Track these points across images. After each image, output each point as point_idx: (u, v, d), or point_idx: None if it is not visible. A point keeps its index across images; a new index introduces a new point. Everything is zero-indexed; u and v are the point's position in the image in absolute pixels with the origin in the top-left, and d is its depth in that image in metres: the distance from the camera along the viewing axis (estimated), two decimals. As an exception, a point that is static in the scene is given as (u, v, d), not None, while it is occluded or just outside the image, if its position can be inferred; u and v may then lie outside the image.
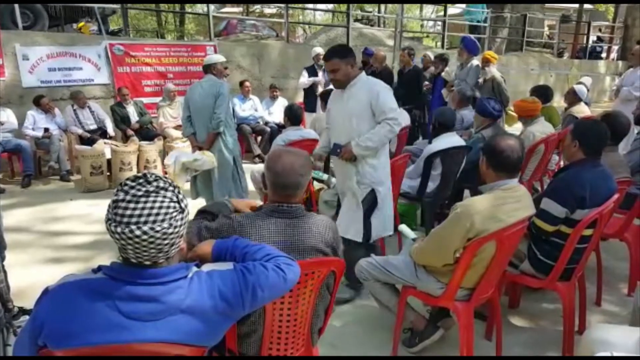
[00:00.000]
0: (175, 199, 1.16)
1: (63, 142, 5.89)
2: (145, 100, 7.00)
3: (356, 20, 14.67)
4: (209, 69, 4.12)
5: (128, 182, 1.15)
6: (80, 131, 6.06)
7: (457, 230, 2.02)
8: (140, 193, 1.12)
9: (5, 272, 2.64)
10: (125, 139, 6.16)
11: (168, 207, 1.13)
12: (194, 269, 1.26)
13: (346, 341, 2.57)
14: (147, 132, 6.28)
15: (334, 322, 2.66)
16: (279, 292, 1.36)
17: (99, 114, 6.29)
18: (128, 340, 1.13)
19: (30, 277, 3.21)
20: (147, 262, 1.16)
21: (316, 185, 4.39)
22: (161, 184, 1.16)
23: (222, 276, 1.26)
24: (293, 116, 4.28)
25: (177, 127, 6.49)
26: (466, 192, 4.16)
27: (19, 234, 4.09)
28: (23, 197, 5.24)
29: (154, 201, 1.12)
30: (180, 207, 1.17)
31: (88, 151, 5.49)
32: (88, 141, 5.90)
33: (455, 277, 2.09)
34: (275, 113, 7.26)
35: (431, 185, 3.81)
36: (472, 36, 6.69)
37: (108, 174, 5.61)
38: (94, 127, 6.19)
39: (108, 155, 5.61)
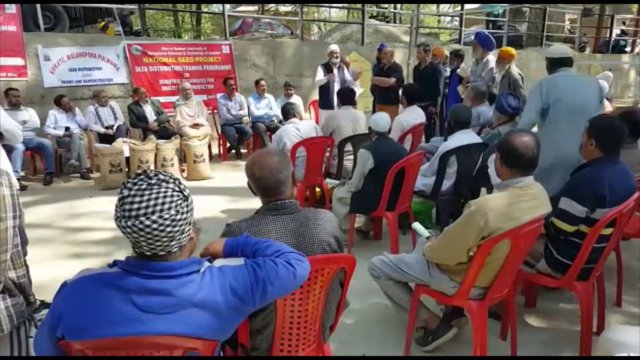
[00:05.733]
0: (177, 188, 1.20)
1: (83, 141, 6.02)
2: (163, 99, 7.11)
3: (372, 17, 14.60)
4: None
5: (130, 179, 1.19)
6: (102, 130, 6.20)
7: (471, 229, 1.99)
8: (143, 186, 1.16)
9: (27, 266, 2.72)
10: (143, 137, 6.26)
11: (172, 196, 1.17)
12: (206, 264, 1.29)
13: (358, 339, 2.57)
14: (164, 131, 6.37)
15: (346, 320, 2.67)
16: (289, 287, 1.37)
17: (117, 113, 6.42)
18: (142, 333, 1.16)
19: (51, 272, 3.28)
20: (162, 253, 1.19)
21: (329, 183, 4.41)
22: (161, 177, 1.20)
23: (234, 271, 1.28)
24: (283, 114, 4.81)
25: (194, 126, 6.56)
26: (483, 190, 4.11)
27: (40, 230, 4.20)
28: (45, 194, 5.38)
29: (158, 192, 1.16)
30: (184, 195, 1.21)
31: (107, 149, 5.60)
32: (107, 139, 6.01)
33: (468, 276, 2.07)
34: (290, 111, 7.29)
35: (446, 184, 3.78)
36: (487, 31, 6.58)
37: (127, 171, 5.71)
38: (113, 123, 6.34)
39: (126, 154, 5.71)
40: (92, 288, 1.19)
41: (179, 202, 1.18)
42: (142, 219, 1.12)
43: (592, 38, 15.63)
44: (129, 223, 1.13)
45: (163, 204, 1.15)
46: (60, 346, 1.20)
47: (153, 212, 1.13)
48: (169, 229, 1.15)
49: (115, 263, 1.24)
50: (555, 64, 3.33)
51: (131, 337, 1.16)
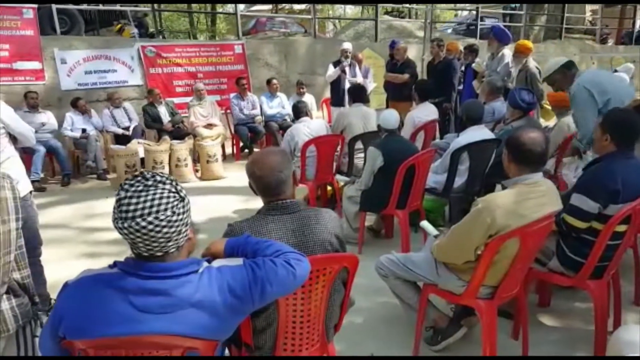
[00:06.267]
0: (173, 189, 1.20)
1: (99, 142, 6.12)
2: (177, 100, 7.17)
3: (386, 12, 14.47)
4: None
5: (127, 181, 1.20)
6: (120, 131, 6.30)
7: (478, 227, 1.96)
8: (140, 188, 1.17)
9: (41, 266, 2.77)
10: (158, 138, 6.33)
11: (168, 197, 1.18)
12: (205, 264, 1.29)
13: (366, 338, 2.55)
14: (178, 131, 6.44)
15: (354, 319, 2.65)
16: (288, 287, 1.37)
17: (131, 115, 6.52)
18: (140, 332, 1.17)
19: (67, 271, 3.27)
20: (159, 254, 1.19)
21: (340, 180, 4.39)
22: (158, 178, 1.20)
23: (232, 272, 1.28)
24: (294, 112, 4.80)
25: (207, 126, 6.61)
26: (498, 187, 4.04)
27: (57, 230, 4.29)
28: (62, 195, 5.49)
29: (154, 193, 1.16)
30: (180, 196, 1.21)
31: (122, 150, 5.69)
32: (123, 141, 6.10)
33: (476, 274, 2.03)
34: (302, 110, 7.27)
35: (458, 181, 3.72)
36: (502, 24, 6.46)
37: (142, 170, 5.78)
38: (128, 124, 6.45)
39: (141, 154, 5.79)
40: (92, 288, 1.20)
41: (175, 203, 1.18)
42: (138, 220, 1.13)
43: (614, 29, 15.19)
44: (125, 224, 1.14)
45: (159, 205, 1.15)
46: (63, 345, 1.22)
47: (149, 214, 1.14)
48: (165, 229, 1.16)
49: (115, 264, 1.25)
50: (569, 67, 3.32)
51: (130, 336, 1.17)
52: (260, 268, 1.29)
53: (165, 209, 1.16)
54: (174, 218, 1.17)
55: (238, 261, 1.34)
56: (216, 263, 1.33)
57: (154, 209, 1.15)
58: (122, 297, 1.17)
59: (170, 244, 1.19)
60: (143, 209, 1.14)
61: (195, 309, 1.20)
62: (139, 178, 1.19)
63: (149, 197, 1.15)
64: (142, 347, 1.20)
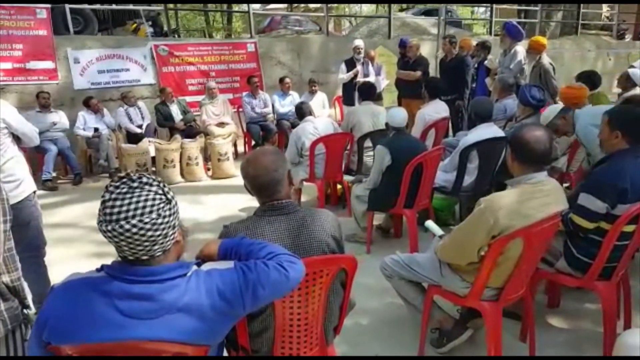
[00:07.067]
0: (160, 191, 1.17)
1: (111, 141, 6.17)
2: (189, 98, 7.19)
3: (401, 10, 14.36)
4: None
5: (113, 183, 1.17)
6: (137, 129, 6.33)
7: (481, 227, 1.92)
8: (124, 190, 1.14)
9: (45, 266, 2.77)
10: (170, 136, 6.37)
11: (154, 199, 1.15)
12: (194, 267, 1.26)
13: (370, 339, 2.52)
14: (189, 130, 6.47)
15: (359, 320, 2.63)
16: (282, 290, 1.33)
17: (144, 113, 6.58)
18: (126, 338, 1.14)
19: (74, 271, 3.38)
20: (145, 257, 1.17)
21: (348, 180, 4.36)
22: (145, 180, 1.17)
23: (222, 275, 1.25)
24: (297, 114, 4.68)
25: (219, 125, 6.64)
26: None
27: (67, 230, 4.32)
28: (74, 194, 5.53)
29: (139, 195, 1.14)
30: (167, 198, 1.18)
31: (133, 149, 5.74)
32: (135, 139, 6.15)
33: (480, 276, 2.00)
34: (313, 108, 7.24)
35: (467, 179, 3.67)
36: (514, 21, 6.35)
37: (153, 170, 5.83)
38: (141, 123, 6.49)
39: (152, 153, 5.83)
40: (78, 292, 1.18)
41: (161, 205, 1.15)
42: (122, 222, 1.10)
43: (632, 25, 14.80)
44: (109, 227, 1.11)
45: (144, 207, 1.12)
46: (49, 350, 1.19)
47: (133, 216, 1.11)
48: (149, 233, 1.13)
49: (102, 267, 1.23)
50: (566, 111, 3.44)
51: (115, 342, 1.14)
52: (251, 271, 1.26)
53: (151, 212, 1.13)
54: (160, 221, 1.14)
55: (229, 264, 1.30)
56: (206, 266, 1.30)
57: (139, 211, 1.12)
58: (107, 301, 1.15)
59: (156, 247, 1.16)
60: (127, 211, 1.11)
61: (182, 314, 1.17)
62: (125, 180, 1.16)
63: (134, 200, 1.12)
64: (128, 353, 1.17)
